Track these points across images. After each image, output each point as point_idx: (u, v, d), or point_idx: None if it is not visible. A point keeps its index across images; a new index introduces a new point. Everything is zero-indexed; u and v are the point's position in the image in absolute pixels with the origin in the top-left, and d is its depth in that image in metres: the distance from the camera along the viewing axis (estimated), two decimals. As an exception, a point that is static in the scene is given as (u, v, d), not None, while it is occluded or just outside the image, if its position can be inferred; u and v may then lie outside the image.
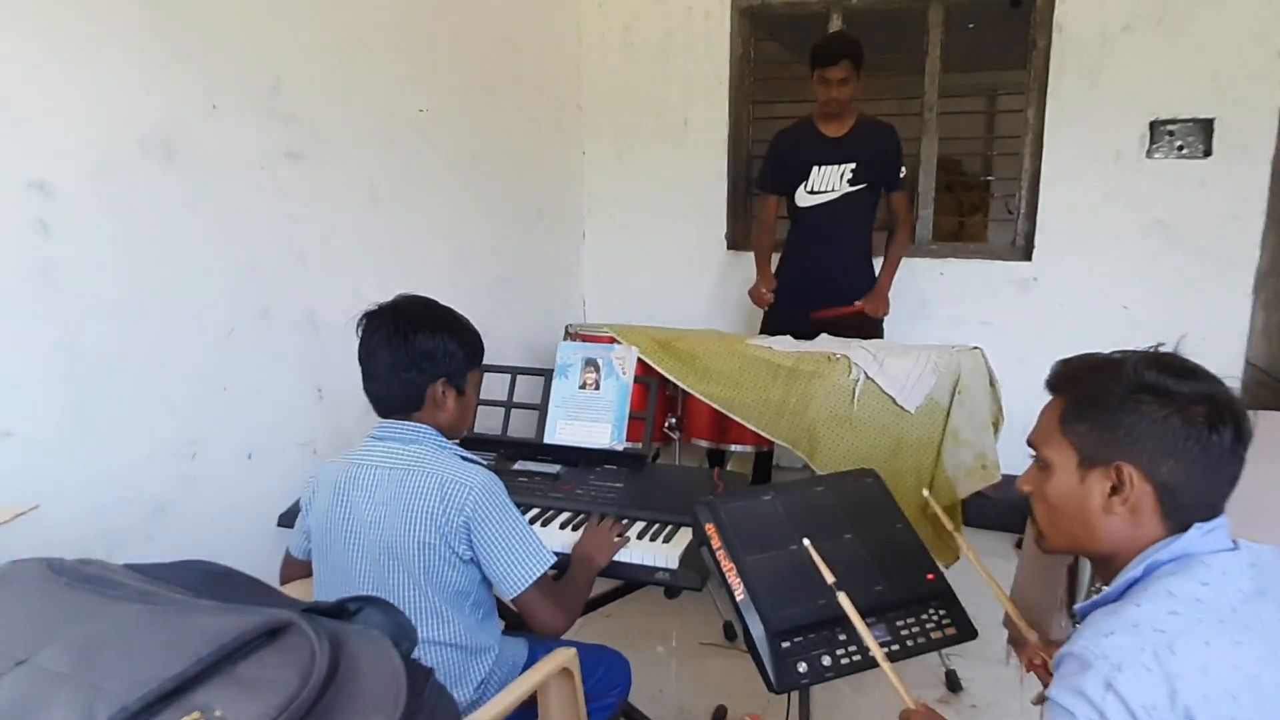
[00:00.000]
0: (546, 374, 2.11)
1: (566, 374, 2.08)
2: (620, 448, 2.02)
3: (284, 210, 2.27)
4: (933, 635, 1.39)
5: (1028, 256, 3.54)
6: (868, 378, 2.42)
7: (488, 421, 2.12)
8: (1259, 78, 3.13)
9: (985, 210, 5.04)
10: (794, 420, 2.48)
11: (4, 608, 0.74)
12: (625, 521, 1.76)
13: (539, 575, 1.43)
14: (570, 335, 2.89)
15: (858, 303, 3.05)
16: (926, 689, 2.34)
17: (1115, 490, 0.98)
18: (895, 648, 1.34)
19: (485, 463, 1.49)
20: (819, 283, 3.10)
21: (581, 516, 1.79)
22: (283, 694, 0.62)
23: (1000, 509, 3.15)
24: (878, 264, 3.19)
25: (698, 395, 2.57)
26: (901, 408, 2.39)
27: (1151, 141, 3.30)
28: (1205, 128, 3.22)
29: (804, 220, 3.16)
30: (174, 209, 1.95)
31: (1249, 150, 3.18)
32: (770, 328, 3.14)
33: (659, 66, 3.92)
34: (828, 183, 3.09)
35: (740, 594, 1.35)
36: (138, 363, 1.89)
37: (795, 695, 1.48)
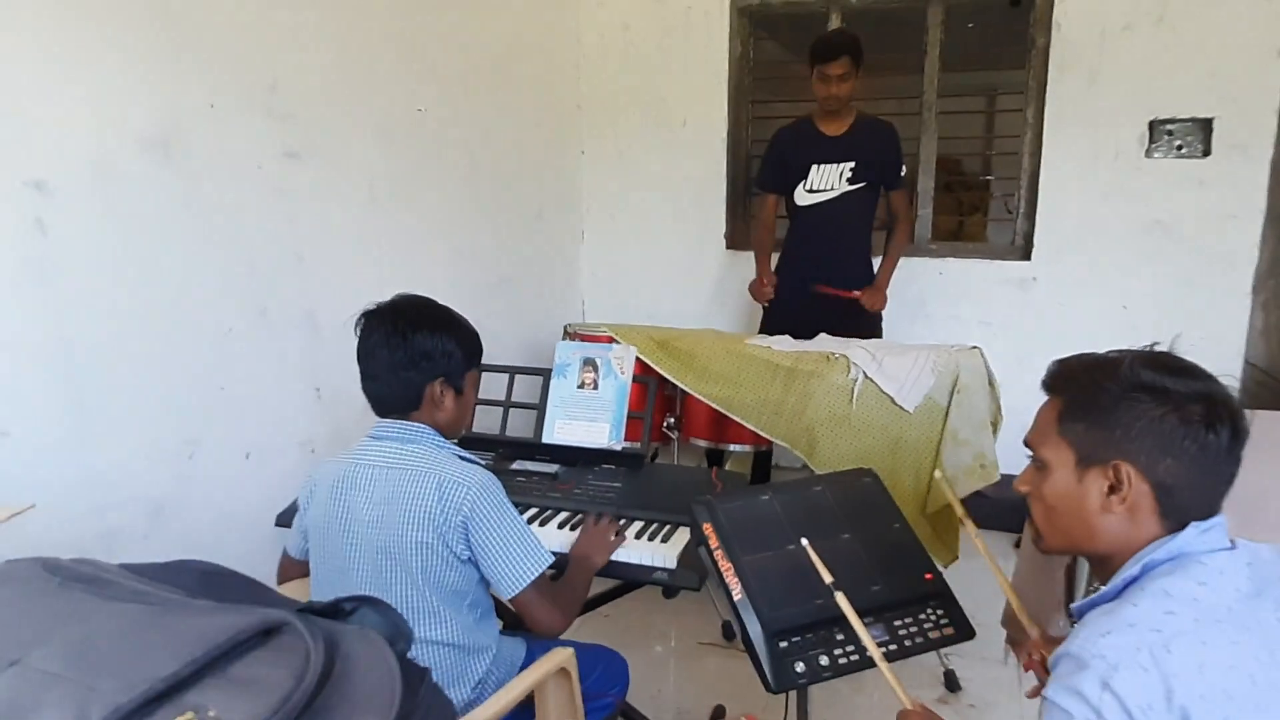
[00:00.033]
0: (545, 373, 2.10)
1: (565, 373, 2.08)
2: (618, 447, 2.01)
3: (282, 209, 2.27)
4: (930, 635, 1.38)
5: (1027, 256, 3.54)
6: (866, 377, 2.42)
7: (486, 421, 2.12)
8: (1258, 77, 3.13)
9: (984, 210, 5.04)
10: (793, 420, 2.47)
11: (-2, 608, 0.74)
12: (623, 521, 1.76)
13: (537, 575, 1.43)
14: (569, 335, 2.88)
15: (856, 291, 3.05)
16: (925, 688, 2.34)
17: (1113, 489, 0.98)
18: (893, 647, 1.34)
19: (483, 462, 1.49)
20: (817, 281, 3.09)
21: (579, 516, 1.79)
22: (276, 694, 0.62)
23: (999, 509, 3.12)
24: (877, 263, 3.19)
25: (696, 395, 2.57)
26: (900, 407, 2.39)
27: (1151, 141, 3.29)
28: (1204, 127, 3.22)
29: (803, 219, 3.16)
30: (172, 208, 1.95)
31: (1248, 150, 3.18)
32: (769, 326, 3.14)
33: (658, 66, 3.92)
34: (827, 181, 3.08)
35: (738, 594, 1.35)
36: (135, 362, 1.89)
37: (794, 695, 1.48)
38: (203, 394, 2.06)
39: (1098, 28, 3.29)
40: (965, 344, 2.56)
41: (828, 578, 1.26)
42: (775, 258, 3.29)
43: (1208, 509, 0.97)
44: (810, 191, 3.12)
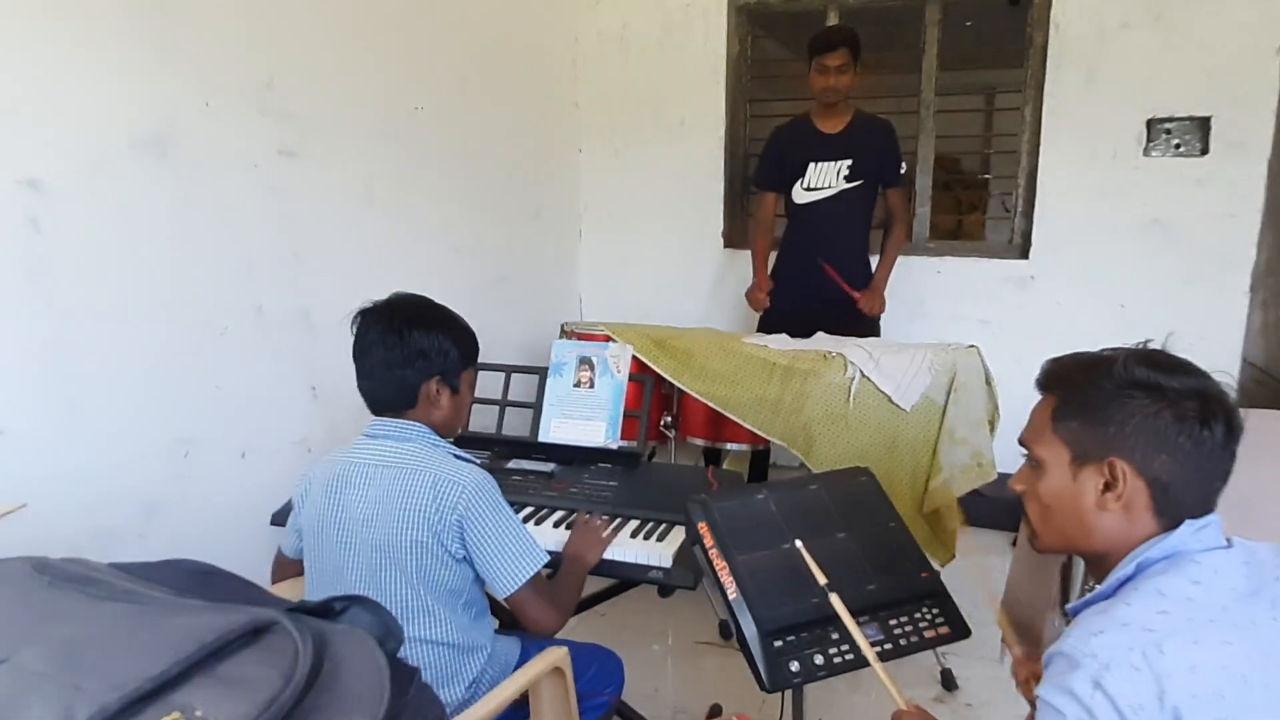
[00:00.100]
0: (541, 372, 2.10)
1: (561, 372, 2.08)
2: (615, 446, 2.01)
3: (278, 208, 2.26)
4: (926, 634, 1.38)
5: (1025, 255, 3.54)
6: (863, 376, 2.42)
7: (482, 420, 2.12)
8: (1256, 76, 3.12)
9: (982, 208, 5.04)
10: (790, 419, 2.47)
11: (-14, 607, 0.74)
12: (619, 520, 1.75)
13: (532, 574, 1.43)
14: (566, 333, 2.88)
15: (855, 293, 3.05)
16: (922, 687, 2.34)
17: (1108, 487, 0.98)
18: (888, 646, 1.34)
19: (479, 461, 1.49)
20: (816, 280, 3.09)
21: (575, 515, 1.79)
22: (265, 693, 0.62)
23: (996, 507, 3.14)
24: (875, 261, 3.19)
25: (693, 393, 2.57)
26: (897, 406, 2.39)
27: (1149, 140, 3.29)
28: (1202, 126, 3.22)
29: (801, 217, 3.16)
30: (167, 206, 1.95)
31: (1246, 148, 3.18)
32: (767, 325, 3.13)
33: (656, 64, 3.91)
34: (824, 179, 3.08)
35: (733, 593, 1.35)
36: (130, 360, 1.88)
37: (789, 694, 1.47)
38: (198, 392, 2.05)
39: (1096, 26, 3.29)
40: (963, 343, 2.55)
41: (822, 580, 1.26)
42: (773, 257, 3.29)
43: (1203, 506, 0.97)
44: (808, 189, 3.12)
